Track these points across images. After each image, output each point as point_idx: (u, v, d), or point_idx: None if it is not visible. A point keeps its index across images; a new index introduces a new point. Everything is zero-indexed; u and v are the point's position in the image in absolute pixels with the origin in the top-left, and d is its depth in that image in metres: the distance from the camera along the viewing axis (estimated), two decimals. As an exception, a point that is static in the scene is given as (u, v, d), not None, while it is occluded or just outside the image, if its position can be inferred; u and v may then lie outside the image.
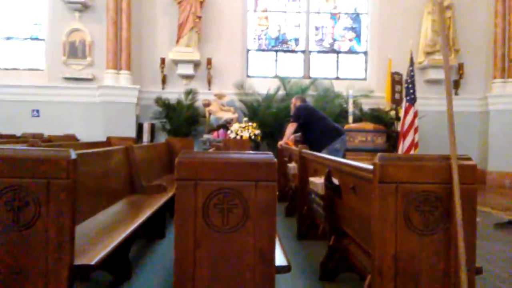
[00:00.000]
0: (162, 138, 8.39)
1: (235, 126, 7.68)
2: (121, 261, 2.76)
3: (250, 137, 7.43)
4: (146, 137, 8.45)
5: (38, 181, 1.78)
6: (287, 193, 5.60)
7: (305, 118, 5.47)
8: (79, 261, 1.85)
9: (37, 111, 8.53)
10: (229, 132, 7.72)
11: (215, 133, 8.06)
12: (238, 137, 7.41)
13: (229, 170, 1.75)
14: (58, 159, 1.79)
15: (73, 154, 1.83)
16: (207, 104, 8.31)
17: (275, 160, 1.81)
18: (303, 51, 9.47)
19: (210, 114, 8.30)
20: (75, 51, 8.58)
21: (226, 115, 8.16)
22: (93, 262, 1.85)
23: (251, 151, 1.91)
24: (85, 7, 8.55)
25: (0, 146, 2.36)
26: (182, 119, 8.31)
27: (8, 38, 8.99)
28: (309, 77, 9.25)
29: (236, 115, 8.24)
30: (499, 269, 3.22)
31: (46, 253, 1.78)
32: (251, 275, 1.75)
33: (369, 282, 1.91)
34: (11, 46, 8.98)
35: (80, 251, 1.97)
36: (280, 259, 1.91)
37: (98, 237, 2.27)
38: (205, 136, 8.08)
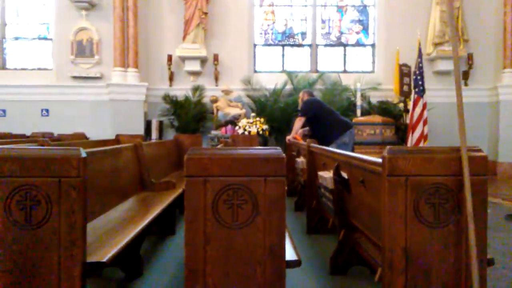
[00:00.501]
0: (170, 135, 8.43)
1: (243, 122, 7.68)
2: (133, 258, 2.78)
3: (258, 132, 7.43)
4: (154, 134, 8.49)
5: (49, 180, 1.80)
6: (296, 187, 5.60)
7: (313, 112, 5.45)
8: (91, 258, 1.87)
9: (47, 110, 8.61)
10: (237, 127, 7.73)
11: (223, 129, 8.07)
12: (246, 132, 7.42)
13: (238, 166, 1.76)
14: (69, 158, 1.81)
15: (83, 153, 1.84)
16: (215, 100, 8.32)
17: (284, 155, 1.80)
18: (310, 45, 9.42)
19: (217, 110, 8.31)
20: (82, 50, 8.63)
21: (234, 111, 8.17)
22: (105, 259, 1.87)
23: (259, 147, 1.91)
24: (91, 6, 8.59)
25: (11, 146, 2.39)
26: (190, 116, 8.34)
27: (16, 38, 9.07)
28: (317, 71, 9.21)
29: (243, 111, 8.24)
30: (511, 260, 3.19)
31: (58, 251, 1.80)
32: (261, 270, 1.76)
33: (379, 275, 1.91)
34: (20, 46, 9.06)
35: (92, 248, 1.99)
36: (290, 253, 1.92)
37: (109, 234, 2.29)
38: (213, 132, 8.09)
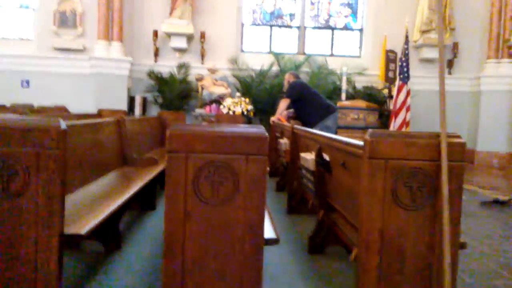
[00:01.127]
0: (154, 111, 8.34)
1: (227, 101, 7.64)
2: (112, 232, 2.78)
3: (242, 112, 7.41)
4: (137, 110, 8.39)
5: (28, 150, 1.77)
6: (278, 168, 5.64)
7: (298, 94, 5.46)
8: (69, 230, 1.87)
9: (27, 81, 8.40)
10: (221, 107, 7.69)
11: (208, 108, 8.02)
12: (231, 112, 7.39)
13: (221, 143, 1.75)
14: (48, 129, 1.78)
15: (63, 124, 1.81)
16: (200, 79, 8.23)
17: (267, 134, 1.81)
18: (298, 27, 9.36)
19: (202, 88, 8.24)
20: (65, 21, 8.39)
21: (219, 90, 8.11)
22: (83, 232, 1.87)
23: (242, 125, 1.91)
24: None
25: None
26: (175, 93, 8.24)
27: (-4, 6, 8.77)
28: (304, 54, 9.18)
29: (229, 90, 8.19)
30: (482, 246, 3.30)
31: (35, 222, 1.79)
32: (240, 247, 1.77)
33: (355, 255, 1.95)
34: (0, 15, 8.76)
35: (70, 220, 1.98)
36: (269, 231, 1.94)
37: (89, 207, 2.28)
38: (197, 111, 8.04)
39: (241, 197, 1.77)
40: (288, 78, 5.86)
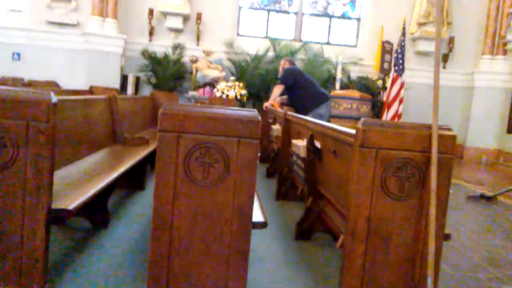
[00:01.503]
0: (146, 91, 8.26)
1: (221, 85, 7.59)
2: (99, 209, 2.78)
3: (236, 96, 7.37)
4: (130, 89, 8.30)
5: (17, 122, 1.74)
6: (269, 154, 5.64)
7: (293, 81, 5.44)
8: (57, 205, 1.86)
9: (18, 54, 8.25)
10: (215, 90, 7.64)
11: (201, 91, 7.97)
12: (224, 96, 7.35)
13: (213, 125, 1.74)
14: (39, 102, 1.75)
15: (54, 98, 1.79)
16: (195, 61, 8.16)
17: (260, 118, 1.80)
18: (295, 13, 9.28)
19: (197, 70, 8.17)
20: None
21: (213, 73, 8.05)
22: (70, 207, 1.86)
23: (235, 107, 1.90)
24: None
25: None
26: (168, 74, 8.17)
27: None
28: (300, 40, 9.12)
29: (223, 74, 8.13)
30: (466, 239, 3.36)
31: (23, 196, 1.78)
32: (228, 229, 1.78)
33: (341, 242, 1.98)
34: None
35: (58, 195, 1.97)
36: (257, 215, 1.95)
37: (77, 183, 2.27)
38: (191, 93, 7.98)
39: (231, 179, 1.77)
40: (283, 64, 5.83)
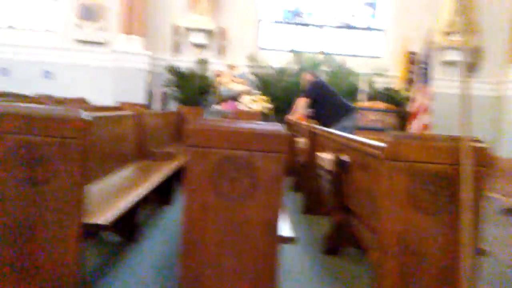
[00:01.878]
0: (172, 106, 8.39)
1: (246, 99, 7.64)
2: (129, 224, 2.81)
3: (260, 110, 7.40)
4: (156, 104, 8.45)
5: (52, 139, 1.80)
6: (295, 168, 5.62)
7: (317, 94, 5.43)
8: (88, 220, 1.89)
9: (49, 72, 8.54)
10: (239, 104, 7.69)
11: (226, 105, 8.03)
12: (249, 109, 7.38)
13: (240, 139, 1.75)
14: (72, 119, 1.80)
15: (87, 116, 1.84)
16: (219, 75, 8.24)
17: (286, 132, 1.80)
18: (318, 25, 9.30)
19: (221, 85, 8.25)
20: (88, 13, 8.50)
21: (237, 87, 8.11)
22: (102, 222, 1.89)
23: (261, 122, 1.91)
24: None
25: (16, 104, 2.38)
26: (193, 89, 8.28)
27: (22, -3, 8.92)
28: (323, 53, 9.11)
29: (247, 88, 8.18)
30: (503, 254, 3.24)
31: (56, 211, 1.82)
32: (256, 244, 1.78)
33: (373, 258, 1.94)
34: (26, 6, 8.92)
35: (90, 210, 2.00)
36: (285, 230, 1.93)
37: (108, 198, 2.31)
38: (215, 107, 8.06)
39: (258, 194, 1.77)
40: (306, 77, 5.83)
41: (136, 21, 8.27)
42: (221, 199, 1.75)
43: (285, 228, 1.96)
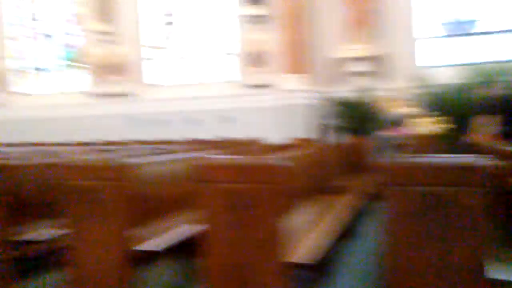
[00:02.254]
0: (340, 137, 8.46)
1: (415, 121, 7.26)
2: (321, 259, 2.89)
3: (433, 132, 6.93)
4: (326, 137, 8.63)
5: (257, 186, 1.99)
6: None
7: (505, 108, 4.83)
8: (291, 258, 2.01)
9: (229, 117, 9.48)
10: (408, 127, 7.34)
11: (394, 130, 7.75)
12: (421, 132, 6.99)
13: (441, 174, 1.68)
14: (275, 167, 1.98)
15: (290, 163, 2.01)
16: (384, 100, 8.06)
17: (487, 163, 1.65)
18: (485, 33, 8.37)
19: (387, 110, 8.03)
20: (255, 59, 9.34)
21: (404, 110, 7.78)
22: (303, 261, 1.99)
23: (461, 155, 1.79)
24: (259, 18, 9.24)
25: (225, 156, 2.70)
26: (359, 117, 8.24)
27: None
28: (496, 62, 8.11)
29: (414, 109, 7.78)
30: None
31: (261, 250, 1.99)
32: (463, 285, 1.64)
33: None
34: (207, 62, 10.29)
35: (288, 247, 2.13)
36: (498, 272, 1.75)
37: (301, 235, 2.42)
38: (383, 133, 7.83)
39: (460, 231, 1.65)
40: (489, 91, 5.27)
41: (298, 60, 8.77)
42: (426, 237, 1.68)
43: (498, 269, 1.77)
